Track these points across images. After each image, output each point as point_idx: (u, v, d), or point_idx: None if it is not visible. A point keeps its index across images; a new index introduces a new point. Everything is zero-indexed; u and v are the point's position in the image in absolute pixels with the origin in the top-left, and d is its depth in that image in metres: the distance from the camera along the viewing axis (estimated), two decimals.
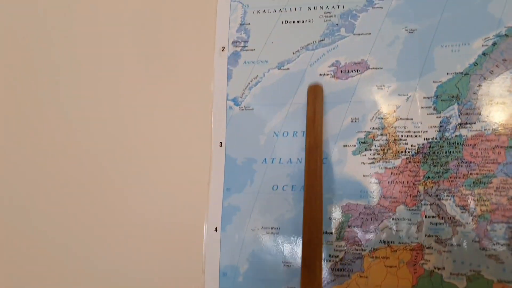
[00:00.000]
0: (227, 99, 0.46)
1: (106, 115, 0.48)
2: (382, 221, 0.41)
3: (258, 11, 0.47)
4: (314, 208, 0.38)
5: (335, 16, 0.45)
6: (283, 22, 0.46)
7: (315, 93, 0.42)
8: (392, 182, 0.41)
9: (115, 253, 0.46)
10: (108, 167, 0.47)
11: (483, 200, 0.39)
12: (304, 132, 0.43)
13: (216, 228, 0.44)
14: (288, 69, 0.45)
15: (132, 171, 0.46)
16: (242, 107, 0.45)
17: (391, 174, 0.41)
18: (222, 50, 0.47)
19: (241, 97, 0.45)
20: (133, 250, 0.45)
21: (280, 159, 0.44)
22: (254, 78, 0.46)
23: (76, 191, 0.47)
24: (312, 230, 0.37)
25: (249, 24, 0.47)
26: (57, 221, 0.47)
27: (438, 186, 0.40)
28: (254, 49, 0.46)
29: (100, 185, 0.47)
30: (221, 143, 0.45)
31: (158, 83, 0.48)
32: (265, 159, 0.44)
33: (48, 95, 0.50)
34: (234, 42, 0.47)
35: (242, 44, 0.47)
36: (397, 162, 0.41)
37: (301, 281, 0.36)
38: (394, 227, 0.40)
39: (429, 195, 0.40)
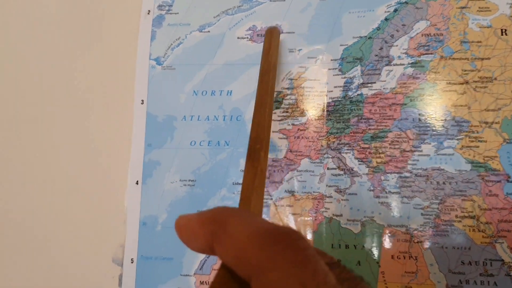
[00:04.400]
0: (150, 59, 0.48)
1: (31, 75, 0.50)
2: (287, 172, 0.44)
3: None
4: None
5: None
6: None
7: (271, 36, 0.41)
8: (298, 137, 0.44)
9: (39, 206, 0.47)
10: (34, 125, 0.49)
11: (379, 153, 0.42)
12: (222, 91, 0.46)
13: (137, 181, 0.46)
14: (208, 32, 0.48)
15: (57, 128, 0.48)
16: (164, 67, 0.48)
17: (298, 130, 0.44)
18: (148, 13, 0.49)
19: (163, 57, 0.48)
20: (58, 203, 0.47)
21: (199, 116, 0.46)
22: (176, 40, 0.48)
23: None
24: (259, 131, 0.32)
25: None
26: None
27: (340, 141, 0.43)
28: (178, 13, 0.49)
29: (24, 141, 0.49)
30: (142, 100, 0.47)
31: (84, 44, 0.49)
32: (184, 116, 0.47)
33: None
34: (159, 6, 0.49)
35: (167, 8, 0.49)
36: (304, 119, 0.44)
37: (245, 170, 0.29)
38: (298, 178, 0.43)
39: (331, 149, 0.43)
